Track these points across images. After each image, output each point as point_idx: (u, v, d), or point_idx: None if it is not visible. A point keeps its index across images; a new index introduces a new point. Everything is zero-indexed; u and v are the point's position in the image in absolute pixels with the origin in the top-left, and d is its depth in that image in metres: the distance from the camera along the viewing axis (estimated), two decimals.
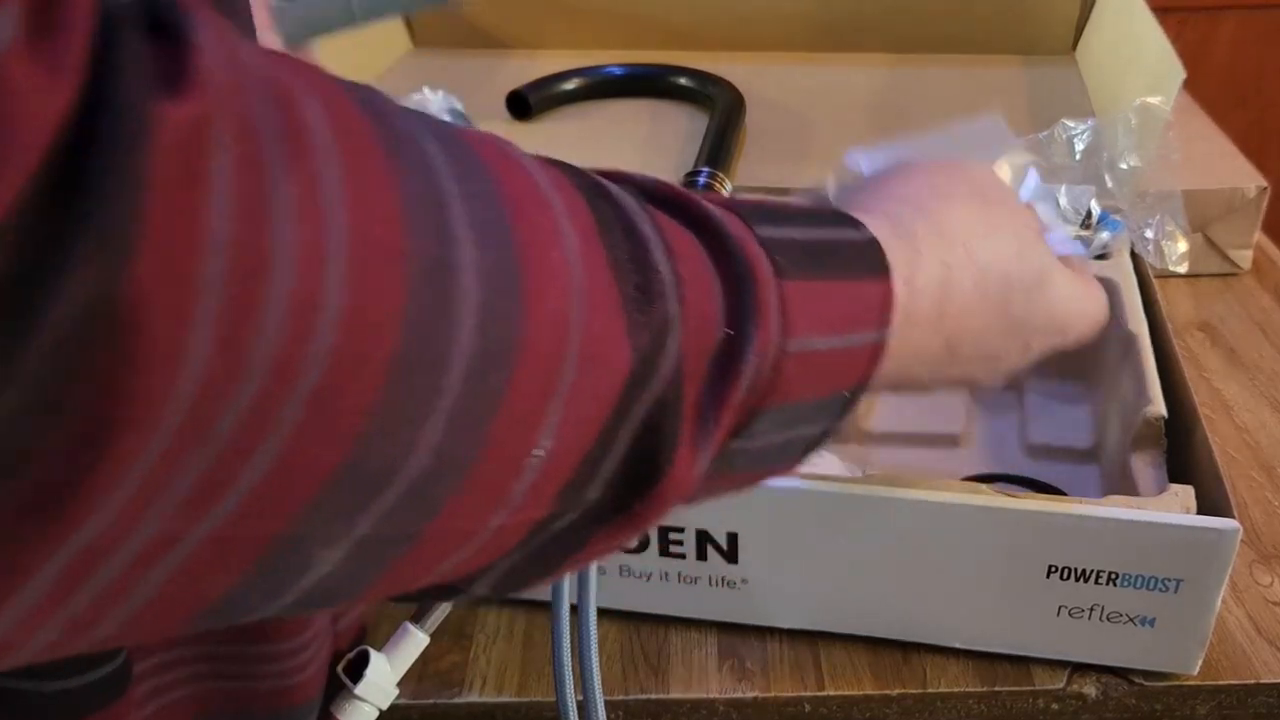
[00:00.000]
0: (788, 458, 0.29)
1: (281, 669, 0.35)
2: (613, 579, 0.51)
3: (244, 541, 0.18)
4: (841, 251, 0.28)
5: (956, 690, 0.49)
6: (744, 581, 0.50)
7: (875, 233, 0.30)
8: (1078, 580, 0.46)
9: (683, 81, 0.92)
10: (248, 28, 0.30)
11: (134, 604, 0.18)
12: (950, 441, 0.61)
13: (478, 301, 0.19)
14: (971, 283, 0.32)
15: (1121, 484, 0.51)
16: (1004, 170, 0.58)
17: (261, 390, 0.16)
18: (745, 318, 0.24)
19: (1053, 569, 0.46)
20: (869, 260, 0.29)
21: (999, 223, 0.35)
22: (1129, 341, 0.55)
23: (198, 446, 0.16)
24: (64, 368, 0.15)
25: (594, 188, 0.23)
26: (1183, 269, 0.65)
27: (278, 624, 0.34)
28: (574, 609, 0.44)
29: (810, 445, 0.29)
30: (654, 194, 0.26)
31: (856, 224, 0.30)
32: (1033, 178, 0.55)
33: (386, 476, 0.19)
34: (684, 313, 0.23)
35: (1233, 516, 0.44)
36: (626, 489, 0.24)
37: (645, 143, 0.86)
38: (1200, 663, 0.48)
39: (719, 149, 0.78)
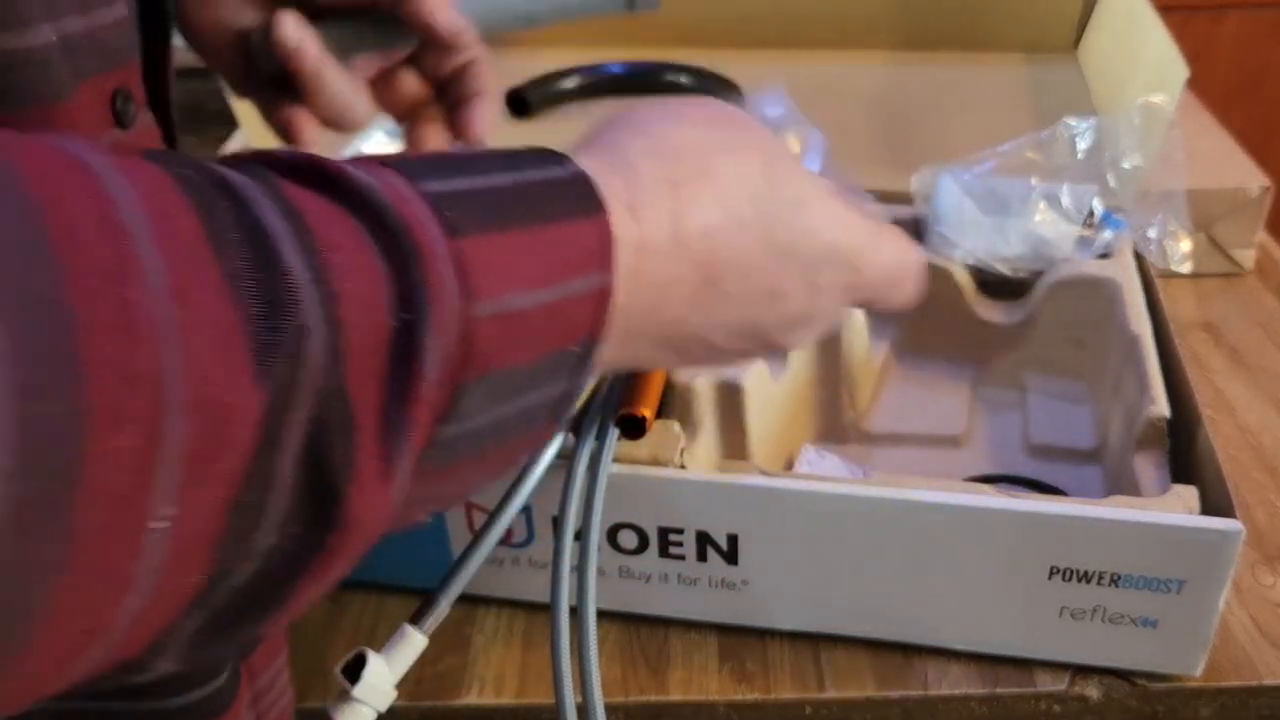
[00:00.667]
0: (530, 428, 0.26)
1: None
2: (613, 580, 0.51)
3: None
4: (539, 194, 0.25)
5: (958, 693, 0.49)
6: (744, 583, 0.50)
7: (584, 164, 0.27)
8: (1080, 581, 0.46)
9: (683, 79, 0.92)
10: None
11: None
12: (951, 442, 0.61)
13: (6, 385, 0.15)
14: (712, 199, 0.29)
15: (1124, 484, 0.51)
16: (792, 144, 0.56)
17: None
18: (415, 294, 0.21)
19: (1055, 570, 0.46)
20: (577, 197, 0.26)
21: (738, 139, 0.31)
22: (1132, 342, 0.55)
23: None
24: None
25: (208, 184, 0.20)
26: (1186, 269, 0.65)
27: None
28: (573, 611, 0.43)
29: (555, 410, 0.26)
30: (296, 169, 0.22)
31: (559, 159, 0.27)
32: (816, 141, 0.52)
33: None
34: (339, 313, 0.20)
35: (1235, 517, 0.44)
36: (313, 524, 0.21)
37: None
38: (1203, 664, 0.48)
39: None
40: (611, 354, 0.28)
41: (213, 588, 0.21)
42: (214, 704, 0.33)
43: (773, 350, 0.34)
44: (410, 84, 0.46)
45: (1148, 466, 0.49)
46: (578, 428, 0.47)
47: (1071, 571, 0.46)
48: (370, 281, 0.21)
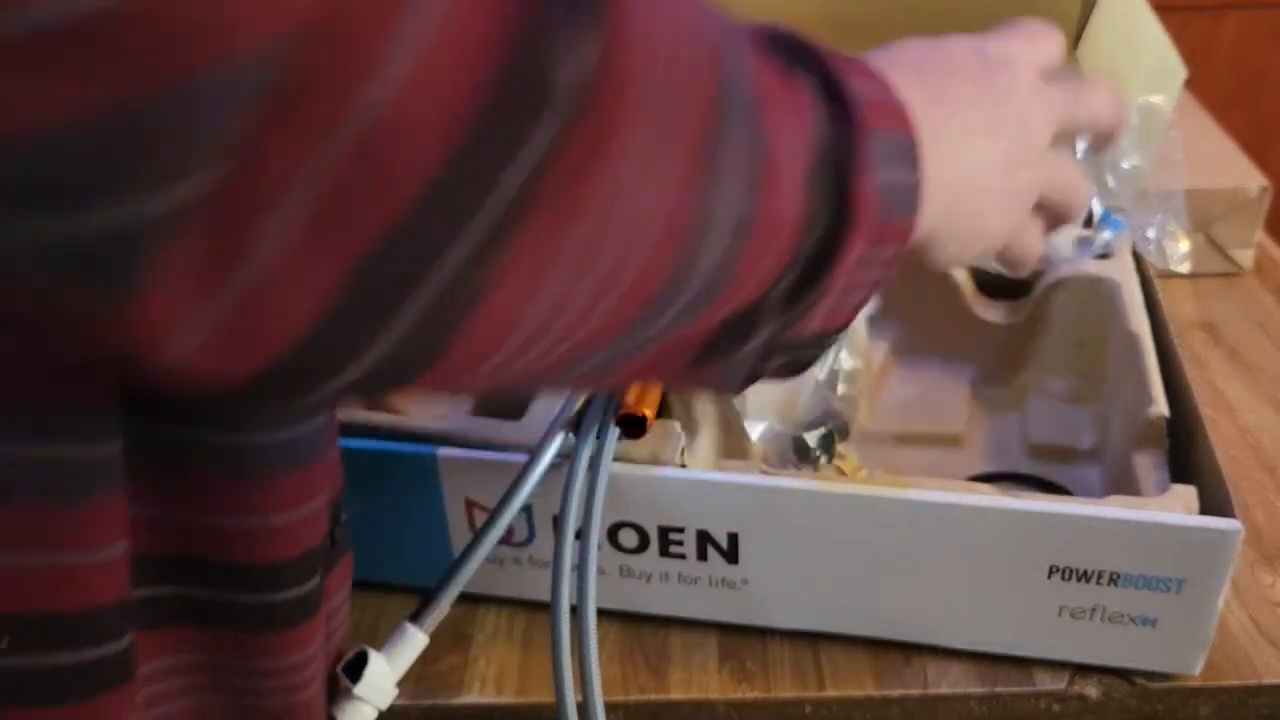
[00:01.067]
0: (902, 213, 0.33)
1: (287, 684, 0.35)
2: (613, 579, 0.51)
3: (679, 210, 0.23)
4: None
5: (958, 691, 0.49)
6: (744, 582, 0.50)
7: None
8: (1079, 581, 0.46)
9: None
10: None
11: (617, 289, 0.23)
12: (951, 442, 0.61)
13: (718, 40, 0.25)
14: (887, 50, 0.41)
15: (1123, 484, 0.51)
16: None
17: (690, 67, 0.22)
18: (829, 74, 0.30)
19: (1054, 569, 0.46)
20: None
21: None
22: (1131, 341, 0.55)
23: (666, 93, 0.21)
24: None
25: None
26: (1185, 268, 0.66)
27: (283, 638, 0.34)
28: (574, 610, 0.43)
29: (912, 200, 0.33)
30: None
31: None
32: None
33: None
34: (814, 86, 0.29)
35: (1234, 517, 0.44)
36: (840, 217, 0.29)
37: None
38: (1202, 663, 0.48)
39: None
40: (937, 154, 0.34)
41: (802, 243, 0.28)
42: (305, 606, 0.34)
43: (1037, 129, 0.40)
44: None
45: (1147, 466, 0.49)
46: (578, 427, 0.47)
47: (1071, 571, 0.46)
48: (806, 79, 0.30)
